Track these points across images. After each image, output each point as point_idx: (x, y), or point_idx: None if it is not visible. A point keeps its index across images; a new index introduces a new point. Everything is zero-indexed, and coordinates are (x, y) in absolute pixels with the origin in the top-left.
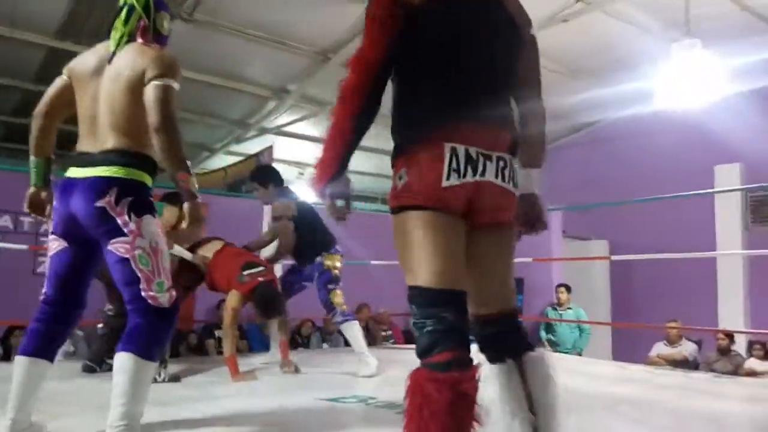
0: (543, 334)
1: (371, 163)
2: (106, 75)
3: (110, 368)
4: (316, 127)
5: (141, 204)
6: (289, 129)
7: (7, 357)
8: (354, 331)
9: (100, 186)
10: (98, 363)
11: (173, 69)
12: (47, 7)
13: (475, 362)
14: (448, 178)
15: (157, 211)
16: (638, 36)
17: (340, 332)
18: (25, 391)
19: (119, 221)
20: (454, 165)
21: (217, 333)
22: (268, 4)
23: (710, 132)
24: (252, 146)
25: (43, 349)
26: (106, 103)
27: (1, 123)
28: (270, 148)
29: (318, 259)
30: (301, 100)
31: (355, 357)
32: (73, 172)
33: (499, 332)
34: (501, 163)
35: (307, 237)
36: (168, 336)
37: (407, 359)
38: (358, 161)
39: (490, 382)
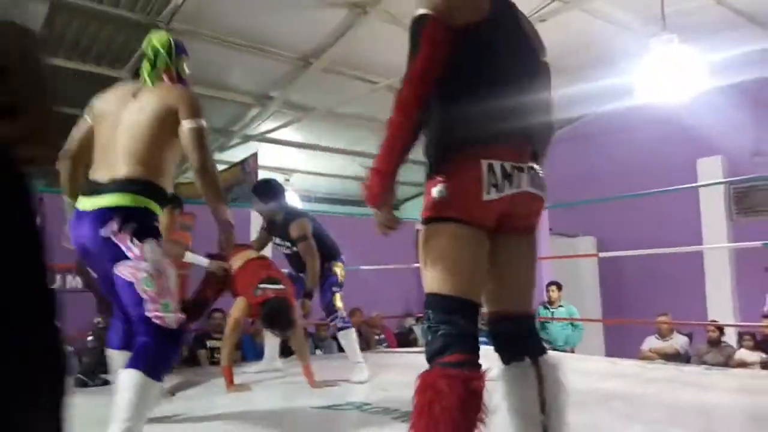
0: None
1: (357, 167)
2: (130, 107)
3: (103, 382)
4: (300, 133)
5: (144, 229)
6: (273, 135)
7: None
8: (351, 338)
9: (104, 217)
10: (90, 377)
11: (200, 108)
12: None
13: (484, 366)
14: (488, 193)
15: (161, 236)
16: (617, 33)
17: (334, 338)
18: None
19: (122, 247)
20: (492, 180)
21: (209, 343)
22: (248, 11)
23: (691, 126)
24: (237, 154)
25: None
26: (128, 132)
27: None
28: (255, 155)
29: (326, 265)
30: (284, 106)
31: (348, 363)
32: (82, 204)
33: (516, 332)
34: (531, 173)
35: (321, 247)
36: (175, 356)
37: (400, 363)
38: (344, 165)
39: (502, 381)
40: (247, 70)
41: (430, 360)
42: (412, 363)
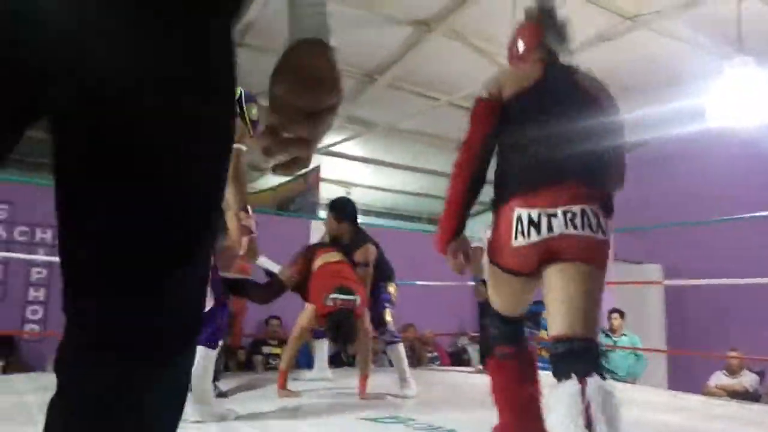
0: None
1: (417, 183)
2: None
3: None
4: (362, 147)
5: None
6: (335, 149)
7: None
8: (400, 352)
9: None
10: None
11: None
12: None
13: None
14: (516, 240)
15: None
16: (688, 53)
17: (384, 353)
18: None
19: None
20: (521, 227)
21: (265, 349)
22: None
23: (766, 152)
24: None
25: None
26: None
27: None
28: (317, 168)
29: (381, 284)
30: (348, 121)
31: (397, 378)
32: None
33: (566, 353)
34: (569, 215)
35: (378, 267)
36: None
37: (449, 381)
38: (405, 180)
39: (554, 399)
40: None
41: (485, 356)
42: (461, 382)
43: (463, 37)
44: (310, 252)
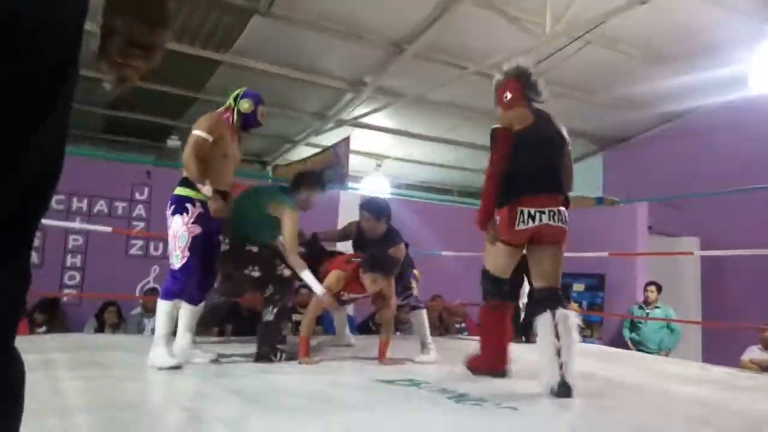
0: (627, 332)
1: (448, 156)
2: None
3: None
4: (392, 119)
5: (178, 208)
6: (365, 120)
7: (101, 329)
8: (422, 318)
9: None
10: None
11: (199, 123)
12: None
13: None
14: (518, 226)
15: (187, 213)
16: (727, 17)
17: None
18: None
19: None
20: (522, 218)
21: (294, 317)
22: None
23: None
24: (330, 138)
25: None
26: None
27: (101, 116)
28: (347, 139)
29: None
30: (377, 92)
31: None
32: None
33: (543, 296)
34: (552, 213)
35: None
36: (182, 285)
37: (471, 350)
38: (435, 153)
39: (538, 324)
40: (341, 55)
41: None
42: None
43: (492, 5)
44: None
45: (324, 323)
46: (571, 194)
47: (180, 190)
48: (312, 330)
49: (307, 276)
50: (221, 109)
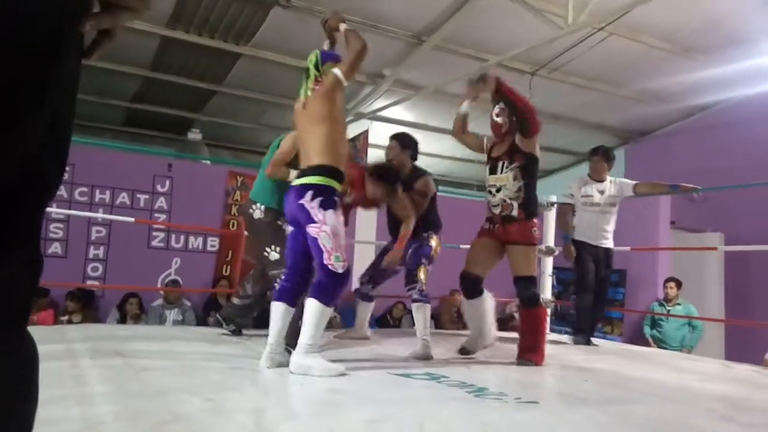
0: (648, 330)
1: (466, 150)
2: (303, 117)
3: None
4: (411, 112)
5: (328, 202)
6: (384, 113)
7: (123, 320)
8: (424, 313)
9: (301, 191)
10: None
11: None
12: None
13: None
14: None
15: (338, 207)
16: (753, 9)
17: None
18: (278, 326)
19: (311, 213)
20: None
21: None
22: None
23: None
24: (349, 131)
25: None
26: (308, 135)
27: (122, 108)
28: (366, 133)
29: (424, 235)
30: (396, 84)
31: (440, 338)
32: (294, 182)
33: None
34: None
35: (426, 214)
36: (339, 291)
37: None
38: (454, 147)
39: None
40: None
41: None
42: (501, 346)
43: None
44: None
45: (346, 317)
46: (641, 183)
47: (322, 180)
48: None
49: None
50: (311, 84)
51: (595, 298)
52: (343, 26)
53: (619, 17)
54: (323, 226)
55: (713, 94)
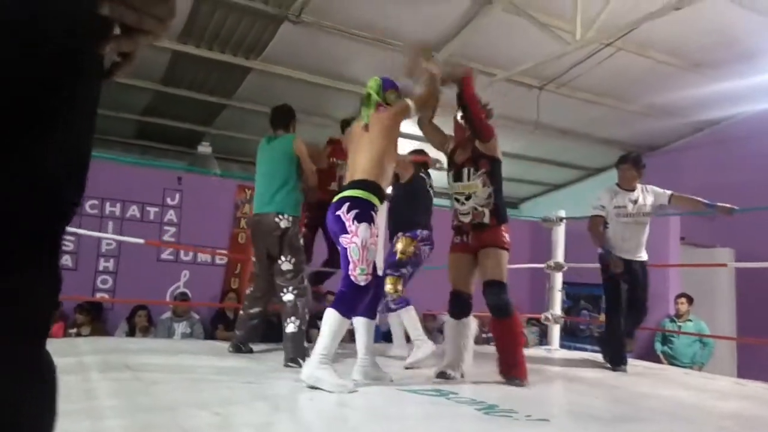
0: (659, 346)
1: None
2: (362, 137)
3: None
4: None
5: (363, 215)
6: None
7: (132, 333)
8: (408, 316)
9: (341, 203)
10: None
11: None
12: None
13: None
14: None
15: (374, 222)
16: (763, 23)
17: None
18: (363, 340)
19: (346, 224)
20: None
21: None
22: (374, 4)
23: None
24: None
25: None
26: (361, 154)
27: (133, 122)
28: None
29: (395, 238)
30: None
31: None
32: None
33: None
34: None
35: (405, 211)
36: (359, 303)
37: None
38: None
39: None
40: (370, 62)
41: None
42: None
43: (521, 10)
44: None
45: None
46: (677, 194)
47: (362, 194)
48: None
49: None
50: (372, 108)
51: (631, 318)
52: (435, 70)
53: (626, 33)
54: (354, 237)
55: (723, 109)
